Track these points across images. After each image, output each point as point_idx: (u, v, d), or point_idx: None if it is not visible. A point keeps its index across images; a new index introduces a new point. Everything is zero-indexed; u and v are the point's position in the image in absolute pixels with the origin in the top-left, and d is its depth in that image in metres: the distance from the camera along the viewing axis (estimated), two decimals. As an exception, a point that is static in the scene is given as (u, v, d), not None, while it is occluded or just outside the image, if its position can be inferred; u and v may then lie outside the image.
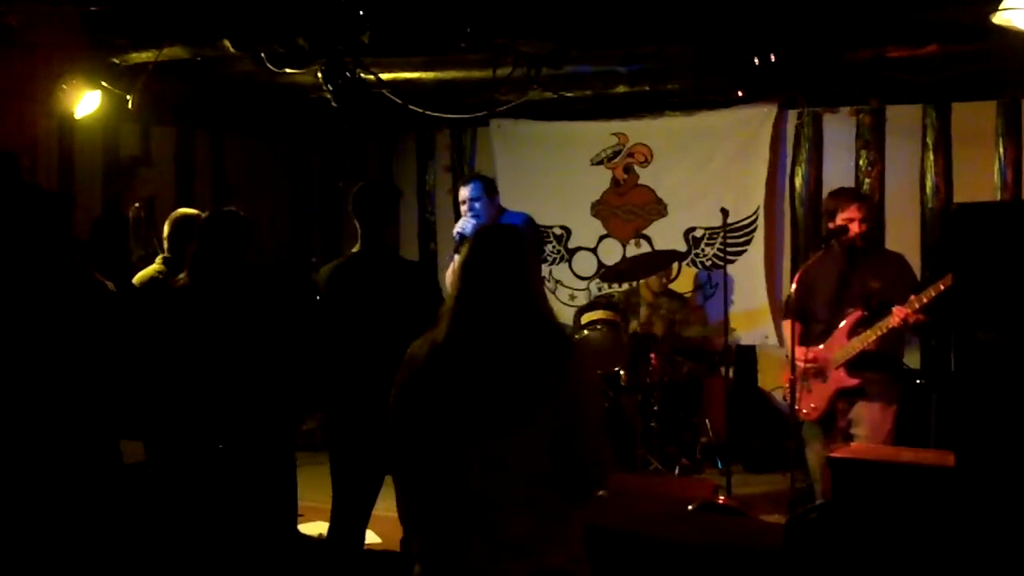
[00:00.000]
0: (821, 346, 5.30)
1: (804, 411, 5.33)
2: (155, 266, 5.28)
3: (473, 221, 5.82)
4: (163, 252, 5.31)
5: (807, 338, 5.36)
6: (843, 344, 5.22)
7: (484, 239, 3.04)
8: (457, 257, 5.67)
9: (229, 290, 4.55)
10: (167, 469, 4.61)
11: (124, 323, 4.26)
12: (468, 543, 2.82)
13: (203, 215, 5.41)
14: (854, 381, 5.19)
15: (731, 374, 7.54)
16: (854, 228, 5.19)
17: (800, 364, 5.28)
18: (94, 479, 4.04)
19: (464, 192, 5.91)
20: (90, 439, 4.03)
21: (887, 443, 5.15)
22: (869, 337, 5.12)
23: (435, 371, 2.89)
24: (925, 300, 4.94)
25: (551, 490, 2.84)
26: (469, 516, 2.83)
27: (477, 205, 5.84)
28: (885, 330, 5.08)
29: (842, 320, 5.23)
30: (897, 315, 5.01)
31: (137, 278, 5.30)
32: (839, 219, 5.23)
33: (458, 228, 5.88)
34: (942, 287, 4.86)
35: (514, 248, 2.97)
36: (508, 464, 2.80)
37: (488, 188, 5.90)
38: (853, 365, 5.19)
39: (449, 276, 6.09)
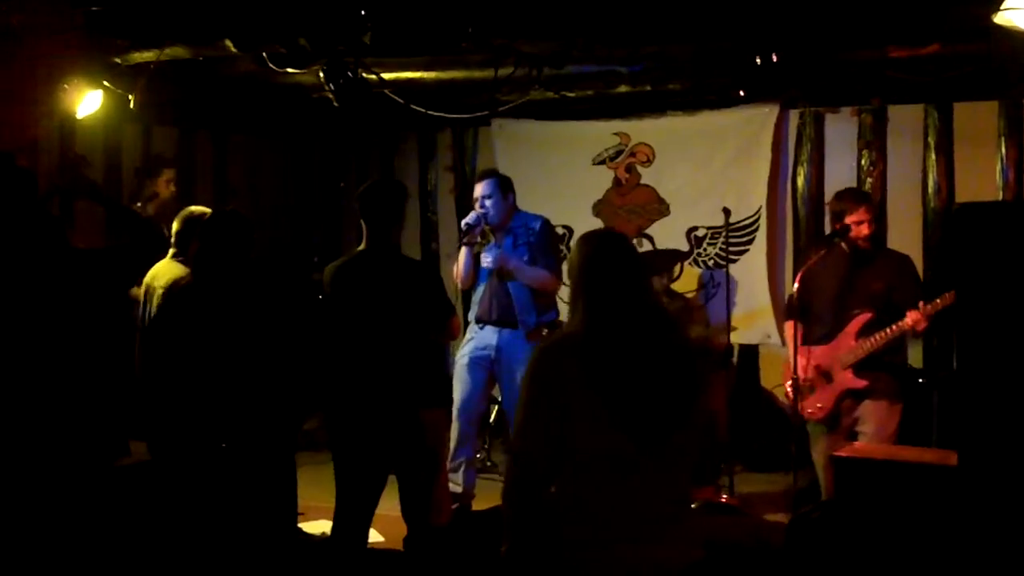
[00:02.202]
0: (825, 347, 5.28)
1: (809, 410, 5.32)
2: (174, 269, 5.25)
3: (482, 213, 5.86)
4: (172, 249, 5.31)
5: (809, 338, 5.36)
6: (850, 345, 5.19)
7: (597, 240, 3.12)
8: (463, 251, 5.76)
9: (232, 288, 4.55)
10: (169, 468, 4.61)
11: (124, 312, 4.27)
12: (620, 537, 2.84)
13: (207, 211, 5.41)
14: (862, 382, 5.17)
15: (733, 373, 7.53)
16: (862, 230, 5.20)
17: (804, 365, 5.27)
18: (96, 476, 4.04)
19: (477, 189, 5.96)
20: (92, 435, 4.04)
21: (892, 441, 5.16)
22: (879, 340, 5.12)
23: (589, 370, 2.89)
24: (940, 305, 4.95)
25: (690, 485, 2.91)
26: (623, 512, 2.84)
27: (488, 203, 5.88)
28: (896, 333, 5.09)
29: (848, 321, 5.22)
30: (910, 319, 5.02)
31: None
32: (847, 221, 5.23)
33: (466, 219, 5.92)
34: (950, 298, 4.88)
35: (630, 249, 3.09)
36: (668, 462, 2.86)
37: (502, 186, 5.93)
38: (860, 366, 5.18)
39: (456, 269, 6.12)
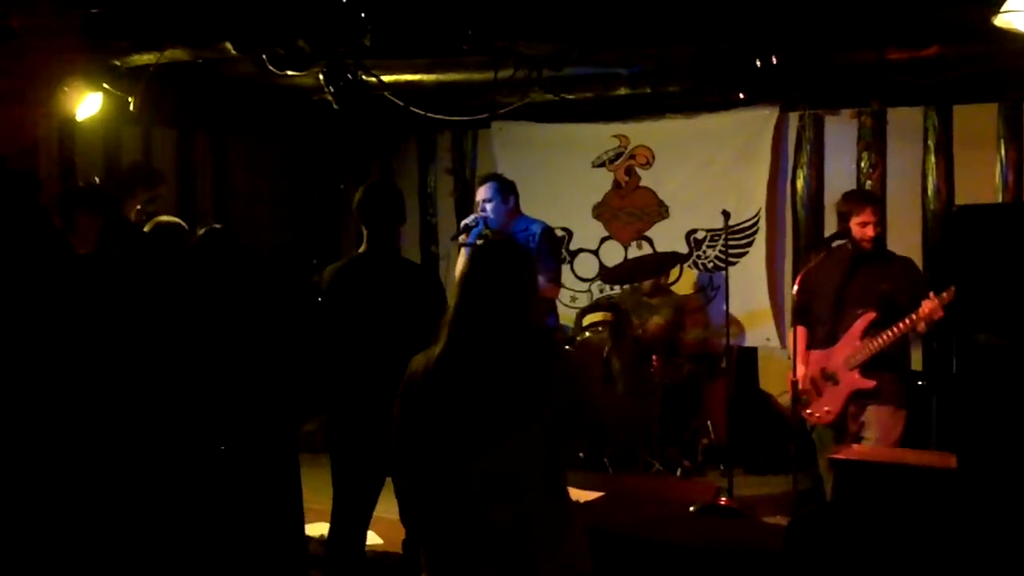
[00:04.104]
0: (830, 349, 5.28)
1: (817, 415, 5.31)
2: None
3: (483, 217, 5.85)
4: None
5: (813, 342, 5.35)
6: (855, 346, 5.20)
7: (483, 255, 3.09)
8: (461, 252, 5.76)
9: (231, 291, 4.55)
10: (167, 471, 4.61)
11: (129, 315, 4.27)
12: (474, 551, 2.85)
13: (181, 222, 5.32)
14: (870, 383, 5.18)
15: (732, 376, 7.54)
16: (867, 231, 5.21)
17: (809, 370, 5.27)
18: (95, 477, 4.04)
19: (479, 192, 5.95)
20: (88, 438, 4.03)
21: (896, 447, 5.15)
22: (886, 339, 5.12)
23: (433, 385, 2.92)
24: (947, 297, 4.94)
25: (550, 492, 2.87)
26: (473, 525, 2.85)
27: (488, 207, 5.88)
28: (904, 330, 5.09)
29: (851, 322, 5.23)
30: (926, 307, 4.98)
31: None
32: (853, 222, 5.23)
33: (465, 220, 5.91)
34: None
35: (512, 266, 3.02)
36: (507, 473, 2.83)
37: (503, 190, 5.92)
38: (867, 367, 5.18)
39: (457, 271, 6.11)
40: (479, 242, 5.88)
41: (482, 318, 2.93)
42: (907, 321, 5.07)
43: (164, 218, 5.31)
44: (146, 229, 5.19)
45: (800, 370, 5.31)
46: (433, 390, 2.93)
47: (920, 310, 5.03)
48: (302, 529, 5.01)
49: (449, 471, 2.89)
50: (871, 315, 5.18)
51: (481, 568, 2.86)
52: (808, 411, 5.32)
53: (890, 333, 5.11)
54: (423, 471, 2.96)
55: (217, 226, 4.95)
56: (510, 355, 2.88)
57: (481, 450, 2.84)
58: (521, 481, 2.85)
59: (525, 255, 3.11)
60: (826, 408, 5.28)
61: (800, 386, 5.29)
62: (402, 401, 3.03)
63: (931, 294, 5.01)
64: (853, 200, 5.38)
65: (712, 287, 7.91)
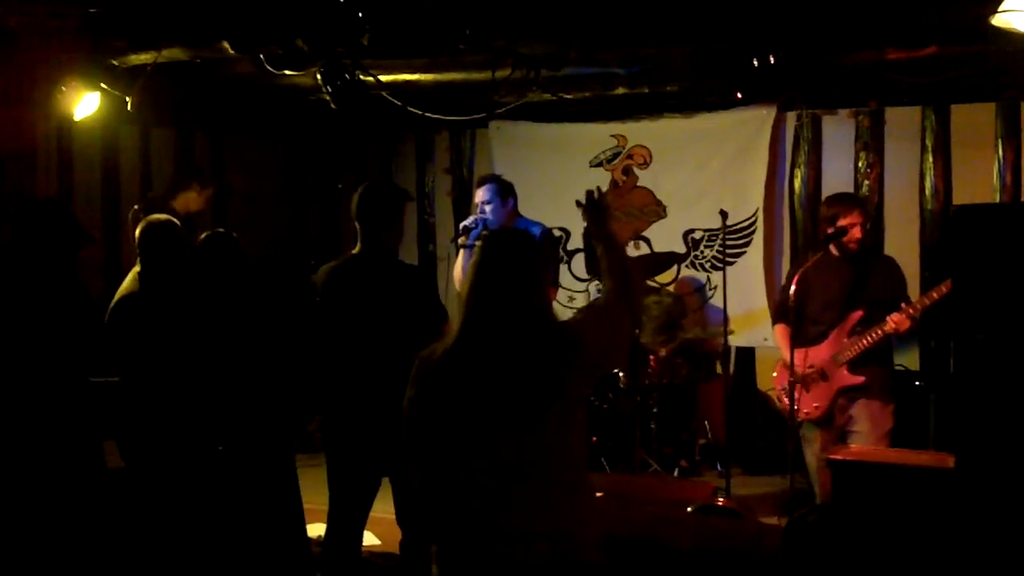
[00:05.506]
0: (819, 347, 5.33)
1: (806, 411, 5.36)
2: (130, 282, 5.06)
3: (482, 219, 5.85)
4: (137, 265, 5.08)
5: (803, 340, 5.38)
6: (842, 342, 5.26)
7: (493, 244, 3.09)
8: (461, 254, 5.75)
9: (231, 293, 4.56)
10: (162, 473, 4.61)
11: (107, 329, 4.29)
12: (489, 537, 2.85)
13: (173, 219, 5.27)
14: (859, 379, 5.24)
15: (730, 376, 7.53)
16: (855, 234, 5.23)
17: (798, 367, 5.30)
18: (80, 483, 4.04)
19: (477, 194, 5.95)
20: (74, 443, 4.04)
21: (887, 440, 5.21)
22: (873, 338, 5.19)
23: (450, 375, 2.92)
24: (920, 308, 5.04)
25: (566, 476, 2.90)
26: (489, 512, 2.86)
27: (488, 208, 5.87)
28: (882, 334, 5.17)
29: (840, 320, 5.29)
30: (891, 322, 5.12)
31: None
32: (839, 225, 5.26)
33: (464, 222, 5.91)
34: (936, 296, 4.96)
35: (522, 254, 3.02)
36: (526, 459, 2.86)
37: (502, 192, 5.92)
38: (855, 363, 5.22)
39: (455, 272, 6.11)
40: (479, 243, 5.86)
41: (495, 304, 2.93)
42: (882, 329, 5.16)
43: (155, 216, 5.24)
44: (138, 229, 5.12)
45: (780, 370, 5.36)
46: (451, 377, 2.92)
47: (887, 325, 5.14)
48: (303, 531, 5.02)
49: (465, 457, 2.88)
50: (858, 313, 5.26)
51: (493, 550, 2.86)
52: (796, 407, 5.36)
53: (877, 332, 5.17)
54: (438, 458, 2.94)
55: (220, 230, 4.94)
56: (526, 339, 2.89)
57: (510, 435, 2.84)
58: (551, 463, 2.86)
59: (533, 242, 3.12)
60: (815, 404, 5.34)
61: (798, 371, 5.32)
62: (415, 391, 3.00)
63: (903, 305, 5.11)
64: (838, 204, 5.41)
65: (709, 287, 7.91)
